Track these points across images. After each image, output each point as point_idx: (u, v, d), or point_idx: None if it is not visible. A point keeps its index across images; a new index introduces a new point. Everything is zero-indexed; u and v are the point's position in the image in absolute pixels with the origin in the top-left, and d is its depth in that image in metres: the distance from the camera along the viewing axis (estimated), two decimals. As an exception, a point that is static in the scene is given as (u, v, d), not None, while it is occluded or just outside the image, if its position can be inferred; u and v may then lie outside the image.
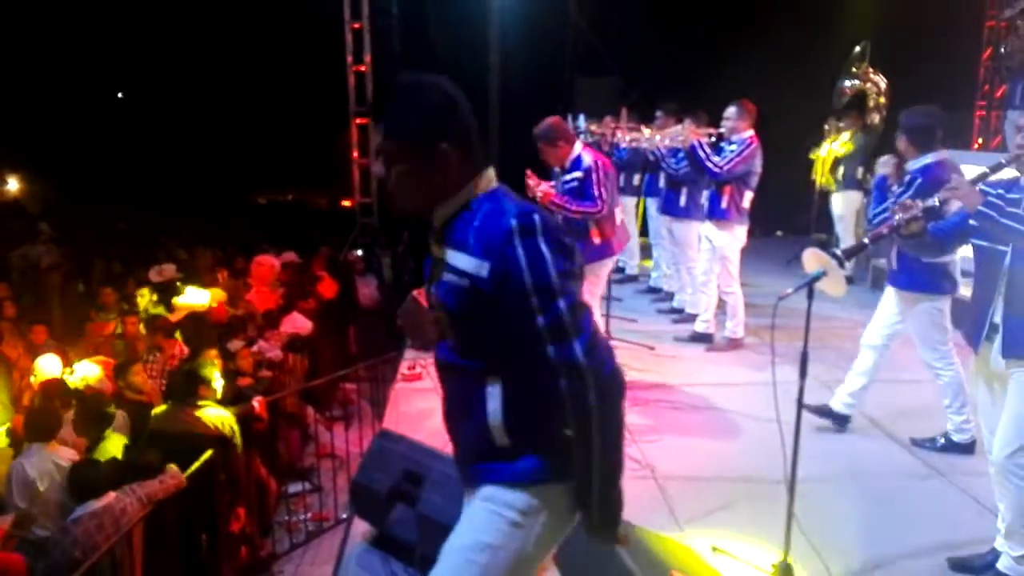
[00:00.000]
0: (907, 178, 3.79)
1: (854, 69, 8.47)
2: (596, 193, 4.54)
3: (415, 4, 10.58)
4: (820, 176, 8.02)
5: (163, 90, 20.79)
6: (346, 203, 11.72)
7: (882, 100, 8.42)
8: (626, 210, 7.79)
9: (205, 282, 8.19)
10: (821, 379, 4.82)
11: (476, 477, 1.81)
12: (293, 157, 17.94)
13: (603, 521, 1.73)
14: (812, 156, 8.11)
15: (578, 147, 4.69)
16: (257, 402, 5.30)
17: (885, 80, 8.37)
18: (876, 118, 8.39)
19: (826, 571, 3.03)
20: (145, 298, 7.57)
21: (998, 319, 2.92)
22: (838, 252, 2.84)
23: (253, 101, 19.83)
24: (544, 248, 1.60)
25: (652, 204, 7.24)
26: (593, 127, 6.57)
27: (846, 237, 7.80)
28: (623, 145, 6.70)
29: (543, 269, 1.59)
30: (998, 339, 2.92)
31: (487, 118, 10.91)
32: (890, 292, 4.16)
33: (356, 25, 9.33)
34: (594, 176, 4.54)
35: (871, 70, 8.40)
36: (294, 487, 6.15)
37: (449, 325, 1.75)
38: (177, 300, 7.20)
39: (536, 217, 1.62)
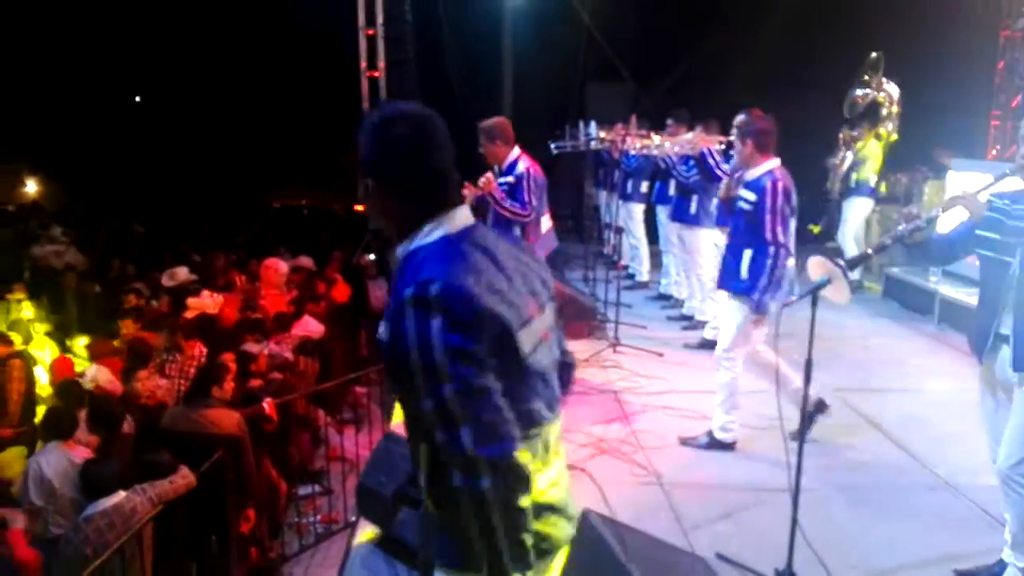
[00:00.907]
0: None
1: (866, 78, 8.45)
2: (526, 199, 4.64)
3: (429, 10, 10.66)
4: (836, 184, 8.03)
5: (180, 94, 21.01)
6: (358, 208, 11.79)
7: (895, 109, 8.40)
8: (633, 216, 7.84)
9: (219, 286, 8.27)
10: (830, 387, 4.82)
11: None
12: (308, 162, 18.07)
13: None
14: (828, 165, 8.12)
15: (516, 152, 4.75)
16: (267, 403, 5.35)
17: (898, 89, 8.35)
18: (889, 127, 8.37)
19: (830, 580, 3.03)
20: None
21: (1005, 330, 2.91)
22: (841, 262, 2.85)
23: (268, 106, 19.98)
24: (435, 325, 1.43)
25: (662, 211, 7.25)
26: (603, 134, 6.60)
27: (847, 242, 7.79)
28: (633, 152, 6.72)
29: (429, 348, 1.43)
30: (1006, 350, 2.91)
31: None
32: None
33: (370, 31, 9.40)
34: (525, 183, 4.64)
35: (884, 80, 8.38)
36: (304, 489, 6.18)
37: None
38: (190, 300, 7.28)
39: (433, 289, 1.45)
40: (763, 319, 3.94)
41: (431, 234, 1.59)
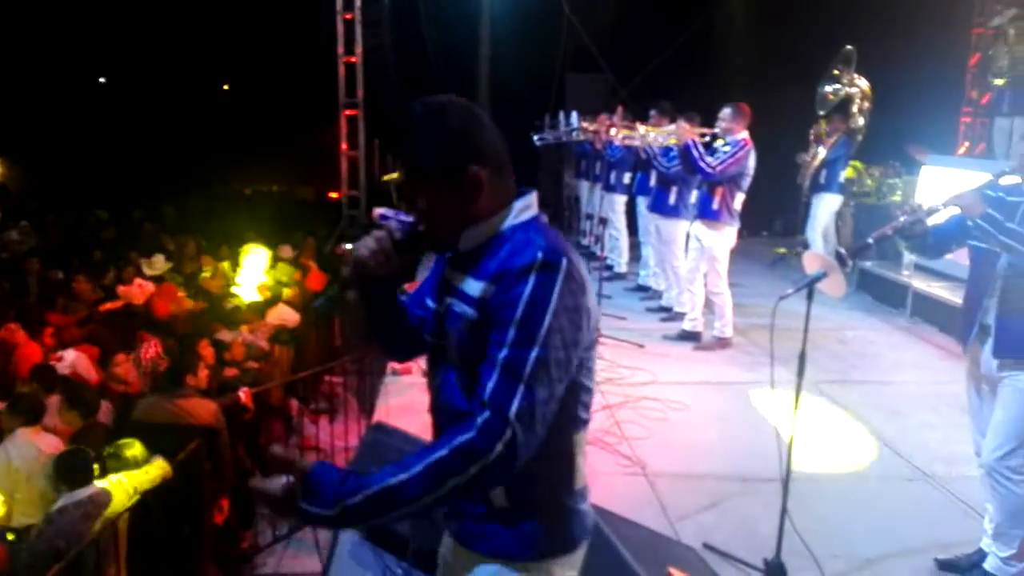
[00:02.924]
0: None
1: (836, 72, 8.55)
2: None
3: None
4: (807, 180, 8.10)
5: (147, 76, 20.53)
6: (333, 195, 11.63)
7: (866, 104, 8.52)
8: (616, 208, 7.83)
9: (189, 272, 8.12)
10: (810, 380, 4.84)
11: (469, 541, 1.61)
12: (278, 147, 17.78)
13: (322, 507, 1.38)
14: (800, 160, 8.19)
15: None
16: (243, 393, 5.26)
17: (867, 83, 8.46)
18: (860, 122, 8.48)
19: (818, 570, 3.05)
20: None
21: (989, 320, 2.94)
22: (842, 251, 2.85)
23: (238, 89, 19.61)
24: (557, 289, 1.41)
25: (642, 202, 7.25)
26: (586, 124, 6.57)
27: (815, 237, 7.87)
28: (616, 143, 6.71)
29: (542, 309, 1.40)
30: (990, 341, 2.95)
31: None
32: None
33: (348, 16, 9.24)
34: None
35: (855, 75, 8.48)
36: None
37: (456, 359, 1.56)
38: (120, 289, 7.17)
39: (565, 260, 1.44)
40: None
41: (521, 214, 1.55)
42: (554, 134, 7.66)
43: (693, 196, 6.05)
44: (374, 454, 3.12)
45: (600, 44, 10.22)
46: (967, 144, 9.30)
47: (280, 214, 12.62)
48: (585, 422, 1.61)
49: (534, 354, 1.39)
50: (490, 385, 1.40)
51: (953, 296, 6.34)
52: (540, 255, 1.43)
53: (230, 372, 5.87)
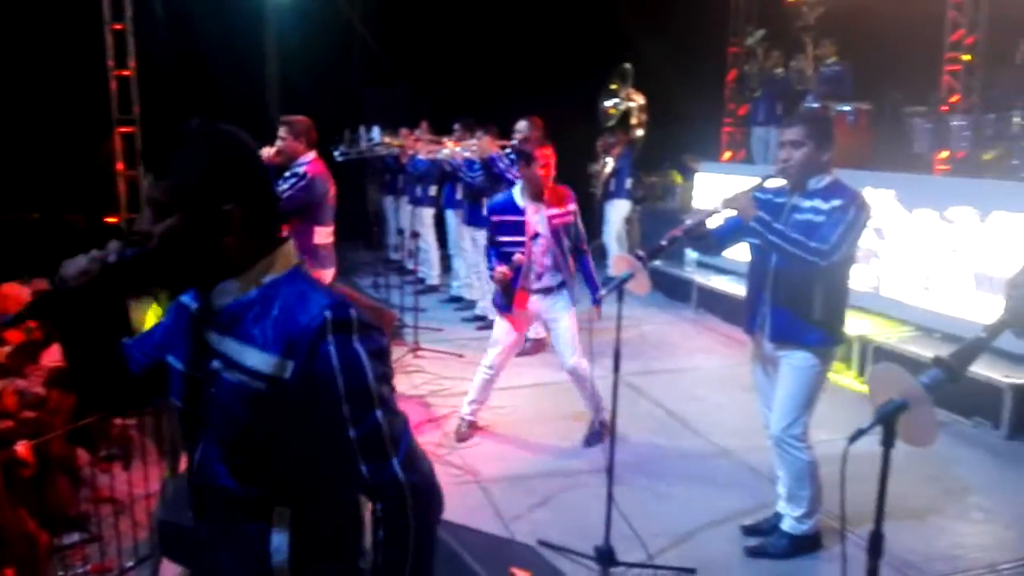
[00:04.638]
0: None
1: (613, 87, 9.26)
2: (291, 193, 4.67)
3: (183, 5, 9.91)
4: (600, 189, 8.66)
5: None
6: (111, 220, 10.63)
7: (643, 117, 9.29)
8: (424, 221, 7.88)
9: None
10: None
11: None
12: (43, 169, 15.90)
13: None
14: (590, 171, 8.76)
15: (311, 155, 4.75)
16: (21, 446, 4.68)
17: (644, 98, 9.24)
18: (639, 133, 9.24)
19: (644, 549, 3.27)
20: None
21: (766, 310, 3.31)
22: (641, 253, 3.08)
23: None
24: (360, 348, 1.35)
25: (451, 215, 7.36)
26: (387, 139, 6.56)
27: (610, 242, 8.45)
28: (421, 156, 6.76)
29: (360, 373, 1.35)
30: (768, 327, 3.31)
31: (267, 129, 10.48)
32: None
33: (117, 26, 8.51)
34: (299, 182, 4.66)
35: (632, 90, 9.23)
36: (68, 538, 5.47)
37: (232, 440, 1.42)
38: None
39: (352, 312, 1.37)
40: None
41: (284, 266, 1.43)
42: (355, 149, 7.57)
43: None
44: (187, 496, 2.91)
45: (395, 58, 10.24)
46: (730, 152, 10.40)
47: (44, 244, 11.33)
48: None
49: (380, 416, 1.36)
50: (366, 471, 1.37)
51: (730, 289, 7.07)
52: (329, 315, 1.34)
53: (3, 424, 5.19)
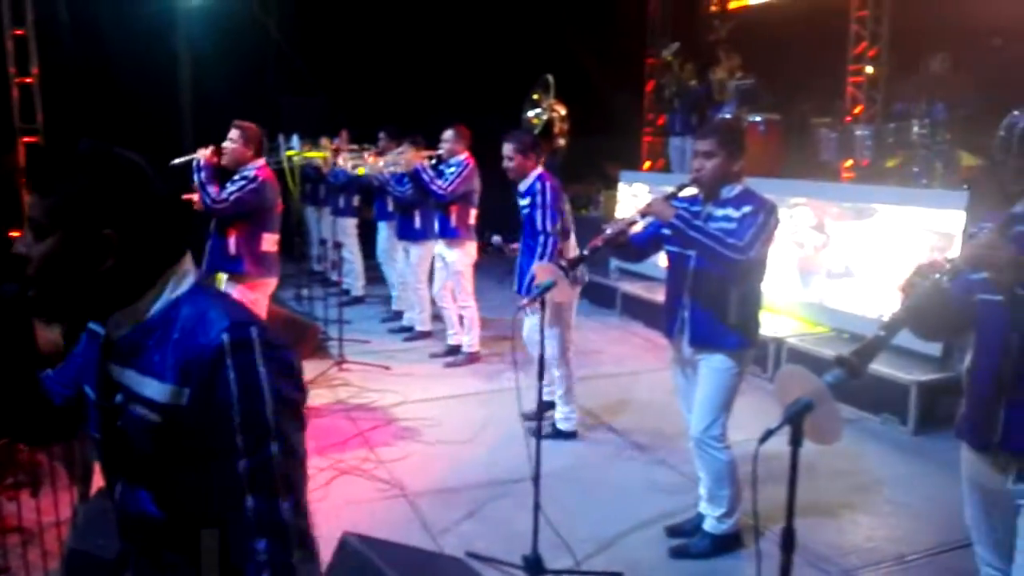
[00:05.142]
0: None
1: (536, 97, 9.36)
2: (224, 194, 4.65)
3: (88, 9, 9.52)
4: None
5: None
6: (15, 234, 10.12)
7: (565, 127, 9.42)
8: (347, 231, 7.77)
9: None
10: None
11: None
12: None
13: None
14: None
15: (260, 162, 4.70)
16: (-83, 479, 4.38)
17: (565, 108, 9.38)
18: (562, 143, 9.36)
19: (571, 556, 3.30)
20: None
21: (685, 314, 3.40)
22: (563, 263, 3.12)
23: None
24: (263, 371, 1.28)
25: (383, 228, 7.28)
26: (308, 149, 6.45)
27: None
28: (342, 168, 6.68)
29: (258, 399, 1.27)
30: (687, 331, 3.40)
31: (182, 137, 10.17)
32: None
33: (18, 31, 8.12)
34: (247, 185, 4.61)
35: (554, 101, 9.34)
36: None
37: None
38: None
39: (253, 331, 1.30)
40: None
41: (179, 286, 1.36)
42: (274, 158, 7.39)
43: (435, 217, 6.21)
44: (101, 524, 2.79)
45: (313, 66, 10.08)
46: (650, 161, 10.64)
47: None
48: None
49: (275, 449, 1.28)
50: (251, 504, 1.27)
51: (650, 295, 7.23)
52: (226, 337, 1.28)
53: None
